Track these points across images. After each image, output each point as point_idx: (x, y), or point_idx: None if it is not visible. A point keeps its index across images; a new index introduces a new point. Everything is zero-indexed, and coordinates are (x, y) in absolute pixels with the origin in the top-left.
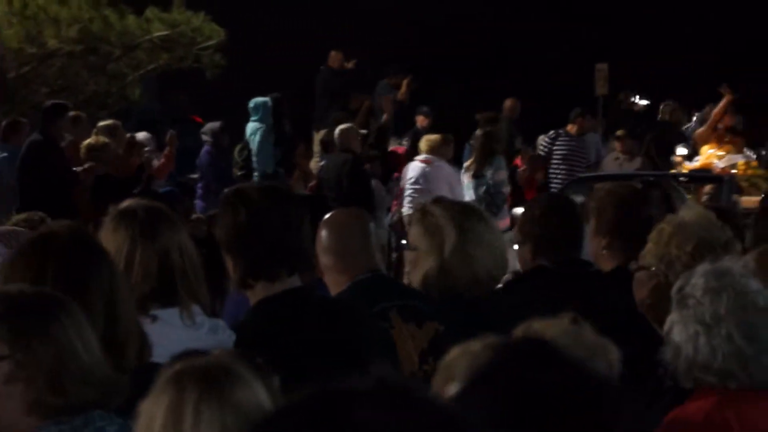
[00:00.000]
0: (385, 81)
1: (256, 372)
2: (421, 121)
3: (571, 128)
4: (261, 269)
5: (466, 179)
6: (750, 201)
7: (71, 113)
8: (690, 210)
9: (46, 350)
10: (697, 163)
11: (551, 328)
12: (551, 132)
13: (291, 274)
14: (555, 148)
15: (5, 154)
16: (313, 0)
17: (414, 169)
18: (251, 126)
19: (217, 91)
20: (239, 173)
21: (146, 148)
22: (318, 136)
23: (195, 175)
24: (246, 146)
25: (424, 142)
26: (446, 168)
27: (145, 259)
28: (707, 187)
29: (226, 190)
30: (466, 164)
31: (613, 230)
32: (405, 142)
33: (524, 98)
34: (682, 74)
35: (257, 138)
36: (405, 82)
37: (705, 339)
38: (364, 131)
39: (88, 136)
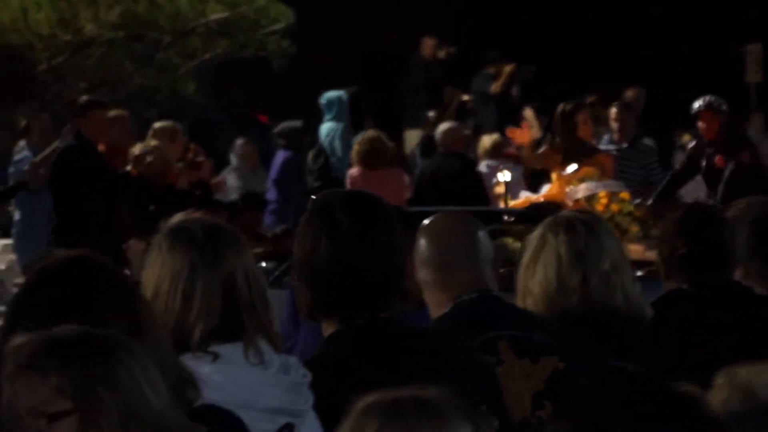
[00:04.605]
0: (485, 71)
1: (465, 415)
2: None
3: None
4: (335, 302)
5: None
6: None
7: (112, 113)
8: None
9: (115, 399)
10: (541, 193)
11: (764, 374)
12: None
13: (375, 305)
14: None
15: (29, 157)
16: None
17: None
18: (326, 127)
19: (285, 84)
20: (316, 184)
21: (200, 158)
22: (411, 136)
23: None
24: (321, 151)
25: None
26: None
27: (208, 289)
28: None
29: (313, 198)
30: None
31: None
32: None
33: (651, 87)
34: None
35: (334, 141)
36: (507, 71)
37: None
38: (467, 131)
39: (132, 140)
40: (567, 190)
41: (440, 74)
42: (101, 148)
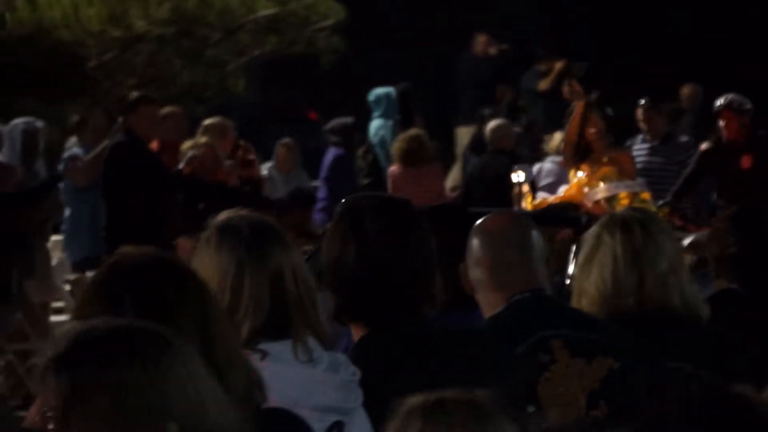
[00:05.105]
0: (536, 68)
1: (511, 415)
2: None
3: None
4: (362, 306)
5: None
6: None
7: (166, 110)
8: None
9: (130, 400)
10: (559, 195)
11: None
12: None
13: (403, 309)
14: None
15: (79, 154)
16: None
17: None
18: (374, 124)
19: (335, 81)
20: (365, 182)
21: (251, 157)
22: (462, 134)
23: (314, 183)
24: (370, 149)
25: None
26: None
27: (255, 286)
28: (567, 232)
29: (342, 201)
30: None
31: None
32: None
33: (708, 84)
34: None
35: (384, 138)
36: (557, 68)
37: None
38: (517, 129)
39: (184, 137)
40: (586, 191)
41: (491, 71)
42: (154, 145)
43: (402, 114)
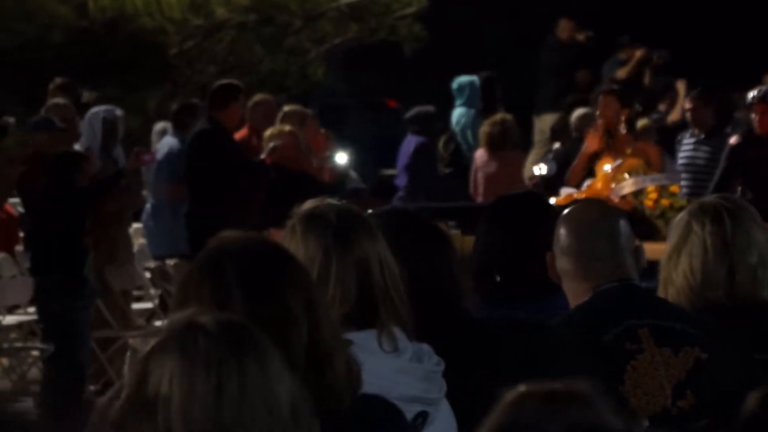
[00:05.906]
0: (617, 56)
1: (615, 410)
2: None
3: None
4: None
5: None
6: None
7: (257, 98)
8: None
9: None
10: (583, 190)
11: None
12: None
13: (446, 309)
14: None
15: (175, 145)
16: None
17: None
18: (457, 112)
19: (417, 69)
20: (446, 170)
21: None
22: (541, 123)
23: (389, 171)
24: (452, 137)
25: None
26: None
27: (342, 275)
28: None
29: (370, 212)
30: None
31: None
32: None
33: None
34: None
35: (465, 127)
36: (637, 56)
37: None
38: None
39: (272, 124)
40: (613, 185)
41: (574, 58)
42: (244, 130)
43: (485, 102)
